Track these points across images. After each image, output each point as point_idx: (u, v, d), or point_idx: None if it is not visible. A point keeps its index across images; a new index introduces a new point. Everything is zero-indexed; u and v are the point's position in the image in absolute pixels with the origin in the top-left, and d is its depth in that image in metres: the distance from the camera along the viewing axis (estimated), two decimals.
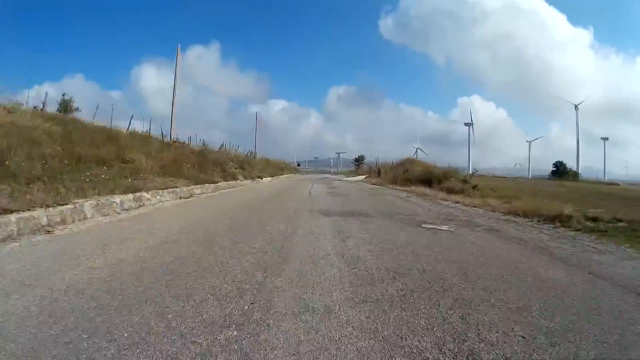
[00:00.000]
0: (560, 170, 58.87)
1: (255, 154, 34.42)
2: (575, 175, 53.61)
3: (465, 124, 40.39)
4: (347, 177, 38.02)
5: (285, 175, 32.29)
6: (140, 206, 6.17)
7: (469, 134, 37.97)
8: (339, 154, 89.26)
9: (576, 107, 36.81)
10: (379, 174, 27.10)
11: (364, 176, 32.21)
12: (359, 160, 72.41)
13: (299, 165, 75.01)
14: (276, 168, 32.65)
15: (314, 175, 40.94)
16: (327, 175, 44.27)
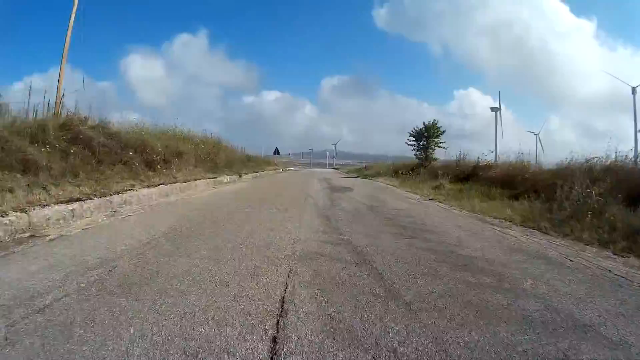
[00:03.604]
0: None
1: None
2: None
3: (492, 109, 37.65)
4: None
5: None
6: None
7: (496, 120, 34.92)
8: (334, 144, 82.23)
9: (634, 89, 33.36)
10: None
11: None
12: (429, 136, 21.29)
13: (276, 153, 39.82)
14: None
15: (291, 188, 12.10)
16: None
